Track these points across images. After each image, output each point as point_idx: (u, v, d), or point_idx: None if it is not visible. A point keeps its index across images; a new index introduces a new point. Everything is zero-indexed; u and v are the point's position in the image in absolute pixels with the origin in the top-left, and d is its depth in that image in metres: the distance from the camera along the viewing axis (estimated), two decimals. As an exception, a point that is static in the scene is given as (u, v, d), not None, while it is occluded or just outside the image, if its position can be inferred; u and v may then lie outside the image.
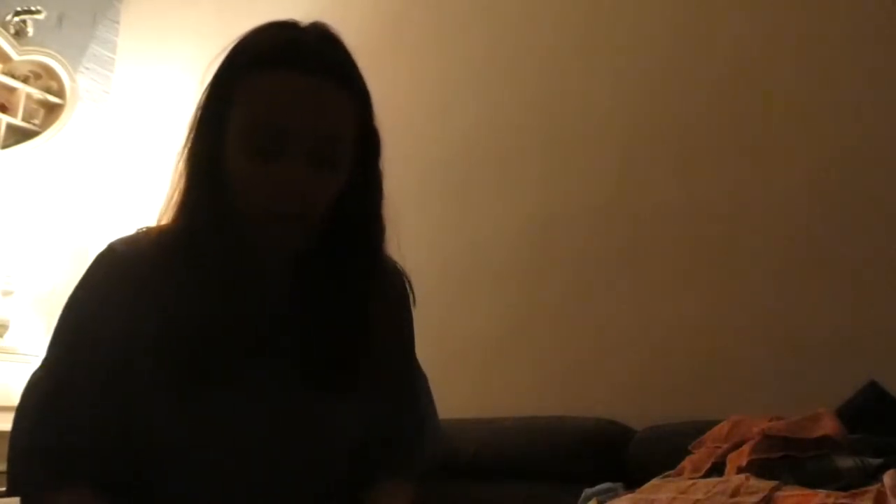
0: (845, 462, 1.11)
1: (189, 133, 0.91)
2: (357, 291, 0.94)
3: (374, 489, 0.99)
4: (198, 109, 0.90)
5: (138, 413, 0.87)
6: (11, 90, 3.19)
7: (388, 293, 1.01)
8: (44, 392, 0.90)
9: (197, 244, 0.88)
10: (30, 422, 0.88)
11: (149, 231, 0.94)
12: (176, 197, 0.91)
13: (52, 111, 3.30)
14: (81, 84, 3.40)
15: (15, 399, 0.93)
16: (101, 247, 0.95)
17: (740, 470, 1.17)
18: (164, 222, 0.92)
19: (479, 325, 2.23)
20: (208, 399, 0.87)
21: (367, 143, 0.92)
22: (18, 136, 3.19)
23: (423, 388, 1.10)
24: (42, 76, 3.30)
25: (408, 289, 1.03)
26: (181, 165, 0.91)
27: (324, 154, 0.85)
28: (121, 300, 0.89)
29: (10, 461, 0.87)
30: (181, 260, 0.88)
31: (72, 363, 0.89)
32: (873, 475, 1.06)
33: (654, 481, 1.28)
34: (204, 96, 0.89)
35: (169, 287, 0.87)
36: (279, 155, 0.83)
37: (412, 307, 1.05)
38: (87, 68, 3.49)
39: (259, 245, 0.90)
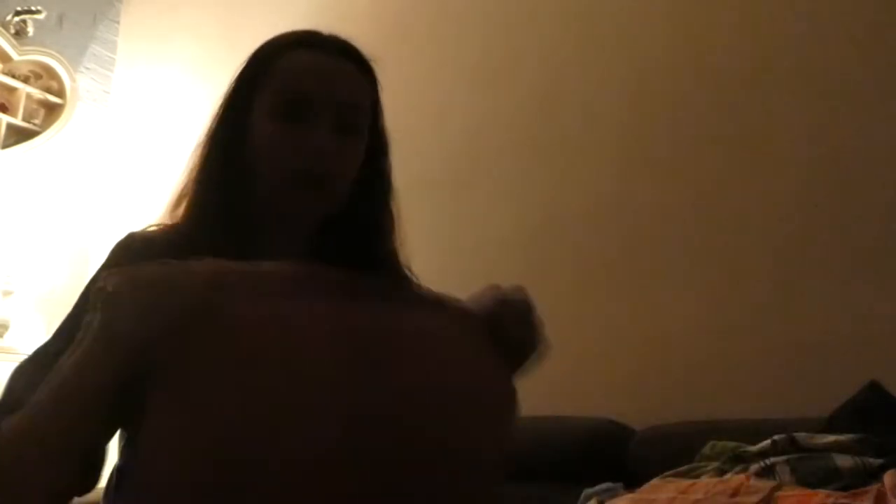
0: (845, 462, 1.11)
1: (209, 127, 0.93)
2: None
3: None
4: (222, 104, 0.94)
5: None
6: (11, 90, 3.18)
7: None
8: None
9: (206, 242, 0.88)
10: None
11: (162, 228, 0.94)
12: (187, 193, 0.93)
13: (52, 111, 3.30)
14: (81, 84, 3.40)
15: (15, 399, 0.93)
16: (102, 246, 0.95)
17: (740, 470, 1.17)
18: (175, 218, 0.93)
19: (479, 325, 2.22)
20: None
21: (375, 137, 0.96)
22: (18, 136, 3.18)
23: None
24: (42, 76, 3.30)
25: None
26: (195, 161, 0.93)
27: (346, 121, 0.90)
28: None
29: None
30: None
31: (54, 343, 0.88)
32: (873, 475, 1.06)
33: (654, 481, 1.27)
34: (228, 91, 0.94)
35: None
36: (303, 121, 0.89)
37: None
38: (87, 68, 3.49)
39: (279, 219, 0.91)
